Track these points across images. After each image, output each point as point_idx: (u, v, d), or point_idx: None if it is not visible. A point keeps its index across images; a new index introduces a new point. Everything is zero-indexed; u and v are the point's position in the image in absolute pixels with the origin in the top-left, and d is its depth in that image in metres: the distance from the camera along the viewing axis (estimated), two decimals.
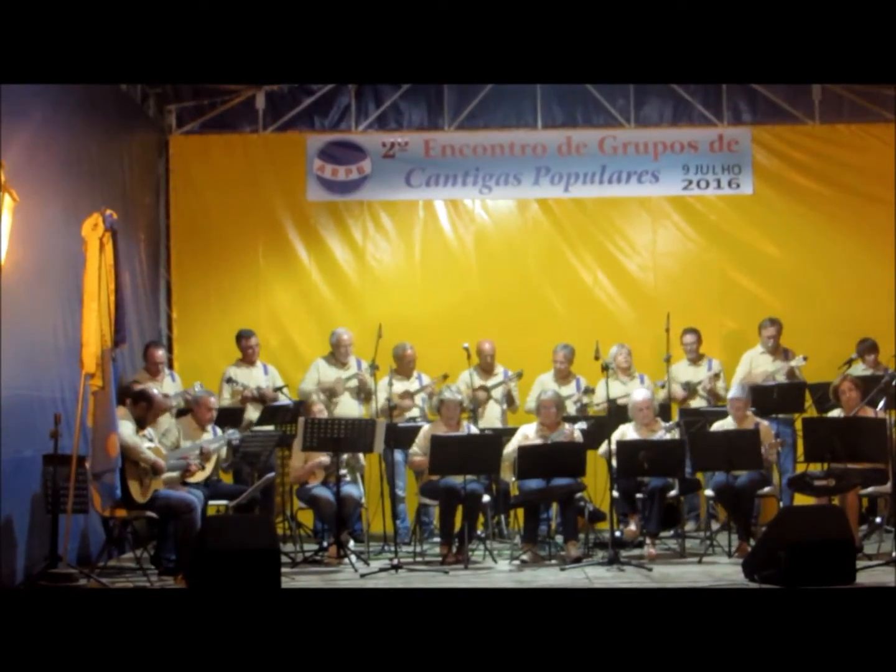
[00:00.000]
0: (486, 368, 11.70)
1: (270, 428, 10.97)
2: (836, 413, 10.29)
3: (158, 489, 9.15)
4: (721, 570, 9.26)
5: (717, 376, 11.66)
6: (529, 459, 9.82)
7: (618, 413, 10.65)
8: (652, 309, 12.30)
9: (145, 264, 12.04)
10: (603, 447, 10.22)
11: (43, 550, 8.56)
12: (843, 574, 8.12)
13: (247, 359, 11.62)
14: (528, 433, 10.36)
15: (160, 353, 11.16)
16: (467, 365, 11.22)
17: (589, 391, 11.47)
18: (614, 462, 9.89)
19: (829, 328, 12.07)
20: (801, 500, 10.67)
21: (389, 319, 11.31)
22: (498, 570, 9.62)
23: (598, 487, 10.72)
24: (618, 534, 10.06)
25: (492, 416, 11.56)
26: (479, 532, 10.40)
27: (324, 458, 10.13)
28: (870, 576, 8.49)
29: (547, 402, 10.35)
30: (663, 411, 10.94)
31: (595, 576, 9.16)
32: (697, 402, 11.62)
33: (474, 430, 10.58)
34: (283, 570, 8.61)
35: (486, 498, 10.16)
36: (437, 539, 10.44)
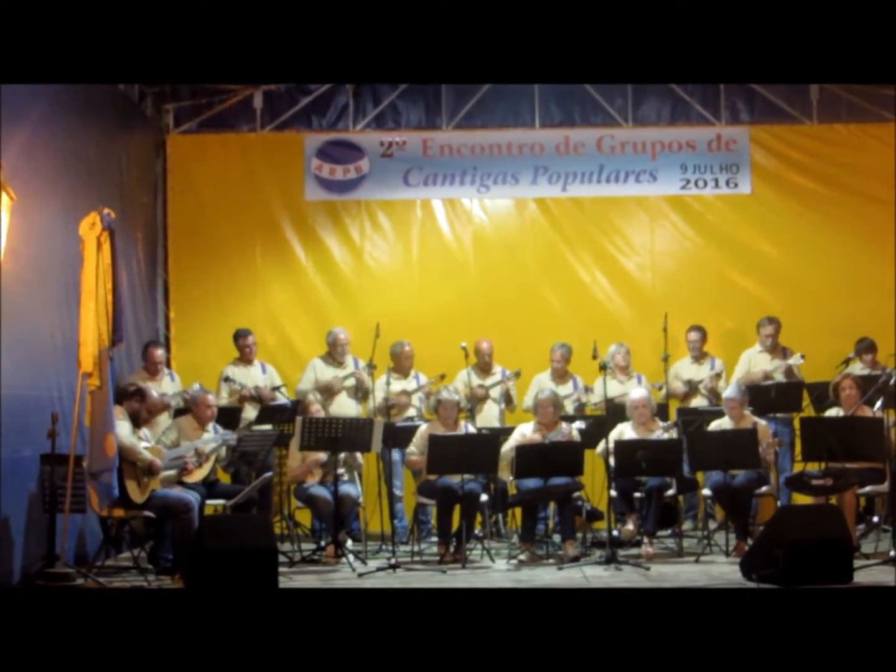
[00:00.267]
0: (483, 368, 11.70)
1: (268, 427, 10.97)
2: (834, 412, 10.30)
3: (156, 489, 9.15)
4: (718, 569, 9.27)
5: (718, 376, 11.65)
6: (527, 459, 9.82)
7: (615, 412, 10.65)
8: (650, 308, 12.29)
9: (143, 263, 12.03)
10: (601, 446, 10.23)
11: (40, 550, 8.56)
12: (840, 573, 8.13)
13: (244, 358, 11.62)
14: (525, 432, 10.36)
15: (159, 353, 11.15)
16: (465, 364, 11.22)
17: (590, 390, 11.47)
18: (612, 461, 9.89)
19: (827, 327, 12.07)
20: (798, 499, 10.69)
21: (387, 319, 11.32)
22: (496, 569, 9.62)
23: (595, 487, 10.73)
24: (615, 533, 10.06)
25: (490, 416, 11.56)
26: (476, 531, 10.41)
27: (321, 456, 10.13)
28: (867, 575, 8.49)
29: (544, 401, 10.35)
30: (661, 411, 10.93)
31: (592, 575, 9.16)
32: (698, 401, 11.63)
33: (472, 429, 10.58)
34: (281, 569, 8.61)
35: (483, 497, 10.16)
36: (434, 538, 10.44)
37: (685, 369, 11.80)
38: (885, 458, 9.64)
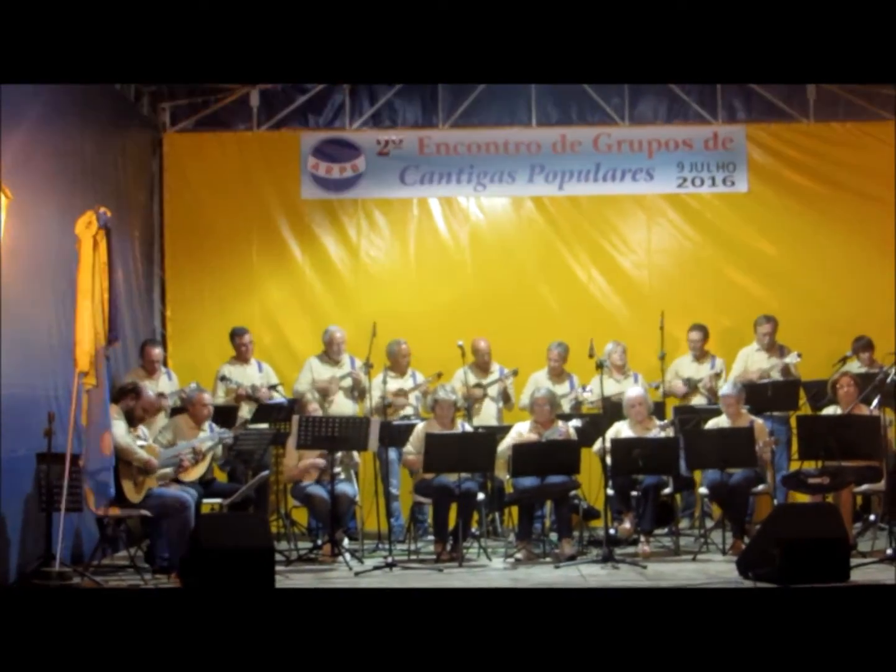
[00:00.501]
0: (482, 367, 11.69)
1: (265, 426, 10.96)
2: (830, 410, 10.31)
3: (152, 487, 9.14)
4: (715, 567, 9.26)
5: (718, 375, 11.63)
6: (524, 457, 9.82)
7: (612, 411, 10.65)
8: (647, 307, 12.27)
9: (139, 262, 12.02)
10: (597, 445, 10.23)
11: (37, 549, 8.56)
12: (837, 572, 8.13)
13: (240, 356, 11.61)
14: (522, 431, 10.35)
15: (157, 352, 11.15)
16: (462, 363, 11.21)
17: (589, 390, 11.43)
18: (609, 460, 9.89)
19: (824, 326, 12.06)
20: (795, 497, 10.69)
21: (384, 317, 11.32)
22: (492, 567, 9.63)
23: (592, 485, 10.71)
24: (612, 531, 10.05)
25: (488, 414, 11.56)
26: (473, 530, 10.41)
27: (319, 460, 10.13)
28: (864, 573, 8.50)
29: (541, 399, 10.35)
30: (658, 409, 10.93)
31: (589, 573, 9.16)
32: (698, 400, 11.62)
33: (468, 428, 10.57)
34: (278, 568, 8.60)
35: (480, 496, 10.16)
36: (431, 537, 10.44)
37: (685, 367, 11.80)
38: (882, 456, 9.65)
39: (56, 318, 9.33)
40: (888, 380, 10.13)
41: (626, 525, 10.21)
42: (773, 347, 11.63)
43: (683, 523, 11.10)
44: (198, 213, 12.74)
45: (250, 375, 11.53)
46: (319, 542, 10.08)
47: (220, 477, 10.65)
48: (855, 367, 11.22)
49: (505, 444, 10.16)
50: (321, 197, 12.83)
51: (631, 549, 10.10)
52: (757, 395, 10.80)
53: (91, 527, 9.47)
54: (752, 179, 12.75)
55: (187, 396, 10.32)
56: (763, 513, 10.21)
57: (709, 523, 10.72)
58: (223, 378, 11.37)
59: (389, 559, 9.46)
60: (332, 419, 10.02)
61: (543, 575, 9.20)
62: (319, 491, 10.03)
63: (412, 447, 10.29)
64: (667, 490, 10.21)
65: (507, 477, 10.24)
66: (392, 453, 10.94)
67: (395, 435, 10.65)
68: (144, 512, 9.16)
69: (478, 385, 11.52)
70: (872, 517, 10.39)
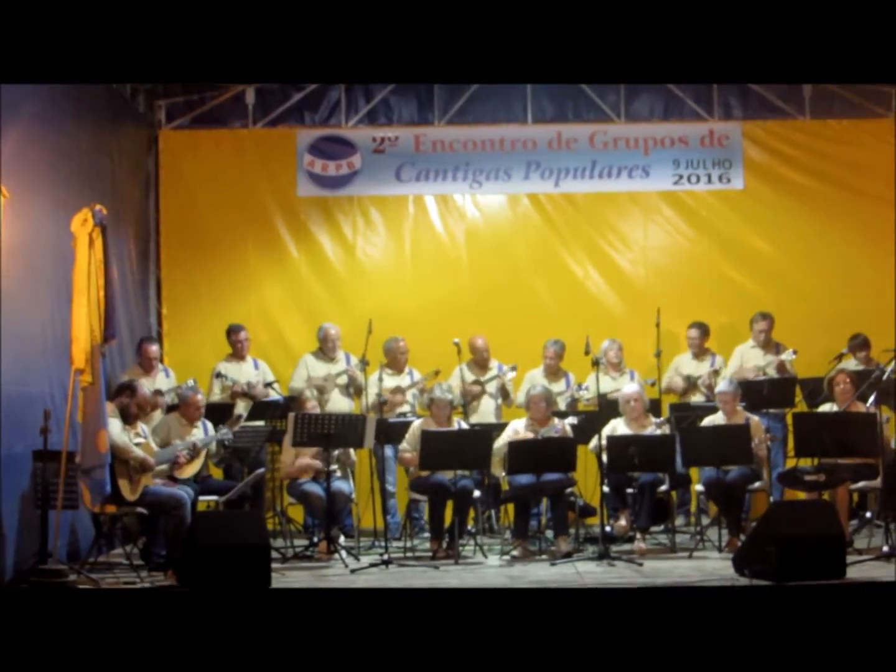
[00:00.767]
0: (481, 364, 11.68)
1: (260, 423, 10.95)
2: (827, 407, 10.31)
3: (148, 485, 9.13)
4: (711, 564, 9.27)
5: (716, 372, 11.62)
6: (519, 454, 9.82)
7: (608, 408, 10.64)
8: (643, 304, 12.26)
9: (135, 260, 12.01)
10: (593, 442, 10.22)
11: (33, 546, 8.53)
12: (833, 569, 8.12)
13: (237, 353, 11.60)
14: (518, 428, 10.35)
15: (154, 349, 11.15)
16: (458, 360, 11.21)
17: (586, 388, 11.43)
18: (605, 457, 9.89)
19: (820, 323, 12.06)
20: (791, 495, 10.69)
21: (380, 315, 11.29)
22: (488, 565, 9.64)
23: (588, 482, 10.72)
24: (608, 529, 10.06)
25: (486, 411, 11.55)
26: (469, 527, 10.41)
27: (316, 462, 10.12)
28: (860, 570, 8.49)
29: (536, 396, 10.34)
30: (654, 407, 10.92)
31: (585, 571, 9.16)
32: (697, 397, 11.62)
33: (465, 426, 10.56)
34: (274, 565, 8.59)
35: (476, 493, 10.16)
36: (427, 534, 10.43)
37: (686, 364, 11.79)
38: (878, 453, 9.65)
39: (52, 316, 9.31)
40: (884, 377, 10.13)
41: (622, 522, 10.21)
42: (769, 344, 11.63)
43: (679, 520, 11.09)
44: (194, 210, 12.72)
45: (246, 372, 11.53)
46: (315, 539, 10.08)
47: (216, 474, 10.65)
48: (851, 364, 11.22)
49: (501, 442, 10.16)
50: (317, 194, 12.82)
51: (627, 547, 10.10)
52: (753, 392, 10.80)
53: (87, 524, 9.46)
54: (748, 176, 12.75)
55: (181, 394, 10.31)
56: (759, 510, 10.20)
57: (705, 520, 10.72)
58: (219, 375, 11.36)
59: (385, 556, 9.44)
60: (328, 416, 10.01)
61: (539, 572, 9.20)
62: (315, 488, 10.02)
63: (408, 444, 10.28)
64: (663, 487, 10.21)
65: (503, 474, 10.23)
66: (388, 450, 10.92)
67: (391, 432, 10.64)
68: (140, 509, 9.16)
69: (476, 382, 11.52)
70: (868, 514, 10.41)
